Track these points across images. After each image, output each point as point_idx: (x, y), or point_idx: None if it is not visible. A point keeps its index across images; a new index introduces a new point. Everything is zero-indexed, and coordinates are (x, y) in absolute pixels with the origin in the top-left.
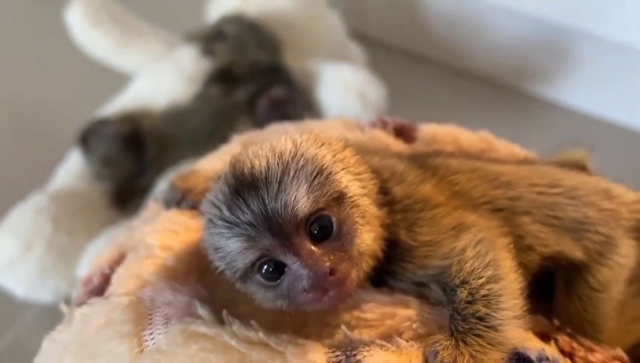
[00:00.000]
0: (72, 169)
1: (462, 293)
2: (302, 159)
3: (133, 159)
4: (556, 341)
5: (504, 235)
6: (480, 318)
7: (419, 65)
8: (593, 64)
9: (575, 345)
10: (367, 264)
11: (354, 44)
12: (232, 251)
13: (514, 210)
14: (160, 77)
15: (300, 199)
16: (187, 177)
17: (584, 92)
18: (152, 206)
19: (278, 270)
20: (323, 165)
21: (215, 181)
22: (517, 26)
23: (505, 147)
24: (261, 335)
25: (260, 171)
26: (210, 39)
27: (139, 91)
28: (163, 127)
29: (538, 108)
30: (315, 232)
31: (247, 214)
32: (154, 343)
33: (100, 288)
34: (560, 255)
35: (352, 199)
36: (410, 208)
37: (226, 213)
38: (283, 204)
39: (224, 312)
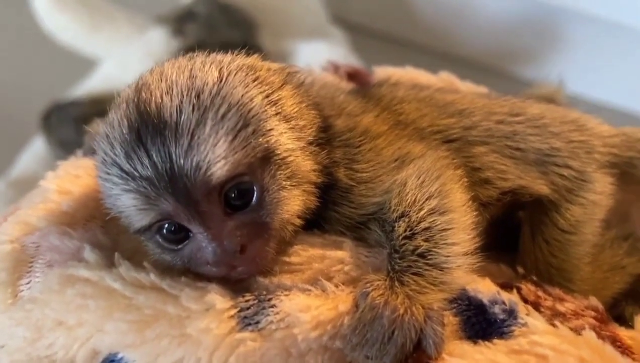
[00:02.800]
0: (35, 155)
1: (400, 227)
2: (224, 104)
3: None
4: (519, 290)
5: (455, 167)
6: (421, 255)
7: (403, 50)
8: (583, 44)
9: (541, 293)
10: (291, 229)
11: (336, 28)
12: (127, 207)
13: (468, 140)
14: (129, 59)
15: (217, 161)
16: None
17: (574, 74)
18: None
19: (181, 233)
20: (251, 113)
21: (116, 106)
22: (504, 6)
23: (469, 87)
24: (153, 277)
25: (170, 114)
26: (181, 20)
27: (106, 73)
28: None
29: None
30: (231, 200)
31: (148, 168)
32: (29, 292)
33: None
34: (523, 190)
35: (281, 158)
36: (350, 143)
37: (122, 159)
38: (194, 165)
39: (116, 255)
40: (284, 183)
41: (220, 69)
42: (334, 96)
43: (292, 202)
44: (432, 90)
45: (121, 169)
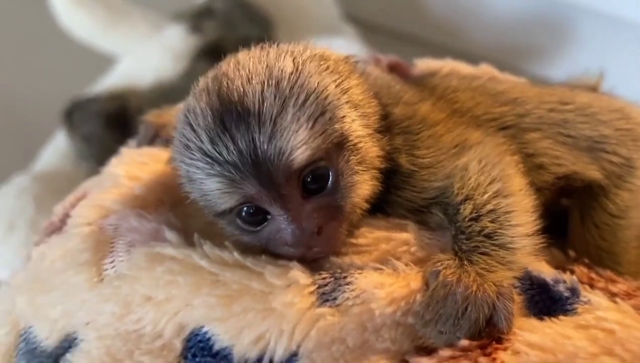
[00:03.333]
0: (57, 150)
1: (466, 210)
2: (303, 93)
3: (117, 138)
4: (572, 272)
5: (511, 153)
6: (488, 236)
7: (414, 47)
8: (594, 40)
9: (593, 275)
10: (359, 213)
11: (348, 25)
12: (211, 190)
13: (521, 127)
14: (148, 56)
15: (299, 147)
16: (161, 113)
17: (585, 71)
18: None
19: (259, 215)
20: (327, 101)
21: (196, 95)
22: (514, 3)
23: (509, 78)
24: (236, 255)
25: (254, 102)
26: (199, 17)
27: (126, 70)
28: (150, 105)
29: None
30: (309, 185)
31: (233, 153)
32: (115, 271)
33: (60, 227)
34: (576, 176)
35: (353, 144)
36: (410, 130)
37: (207, 145)
38: (277, 150)
39: (195, 235)
40: (356, 168)
41: (294, 59)
42: (390, 85)
43: (363, 186)
44: (484, 79)
45: (206, 154)
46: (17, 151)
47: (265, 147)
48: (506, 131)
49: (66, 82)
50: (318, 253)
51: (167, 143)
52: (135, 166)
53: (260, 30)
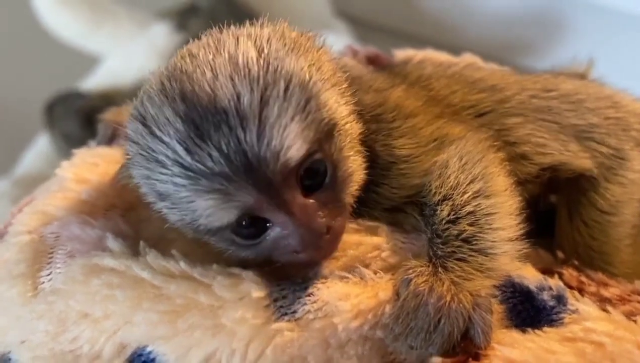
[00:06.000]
0: (40, 153)
1: (443, 211)
2: (280, 80)
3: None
4: (561, 275)
5: (495, 150)
6: (466, 240)
7: (408, 43)
8: (590, 34)
9: (584, 279)
10: (352, 204)
11: (340, 22)
12: (201, 209)
13: (501, 112)
14: (133, 54)
15: (294, 141)
16: (121, 111)
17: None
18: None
19: (259, 225)
20: (308, 85)
21: (152, 100)
22: None
23: (493, 67)
24: (183, 265)
25: (228, 100)
26: (184, 15)
27: (111, 69)
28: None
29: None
30: (306, 181)
31: (220, 162)
32: (50, 285)
33: (2, 234)
34: (563, 167)
35: (342, 127)
36: (382, 118)
37: (185, 157)
38: (270, 149)
39: (141, 243)
40: (348, 154)
41: (255, 42)
42: (360, 74)
43: (358, 172)
44: (460, 67)
45: (186, 168)
46: None
47: (256, 148)
48: (484, 118)
49: (50, 84)
50: (326, 254)
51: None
52: (85, 168)
53: None
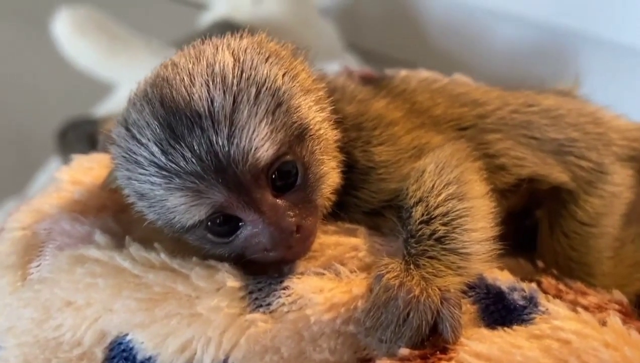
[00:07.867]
0: (51, 175)
1: (418, 212)
2: (252, 86)
3: None
4: (539, 284)
5: (474, 159)
6: (438, 240)
7: None
8: (597, 69)
9: (562, 287)
10: (328, 206)
11: (350, 56)
12: (174, 206)
13: (481, 127)
14: None
15: (262, 144)
16: None
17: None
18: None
19: (230, 223)
20: (279, 91)
21: (135, 106)
22: (516, 32)
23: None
24: (163, 256)
25: (202, 104)
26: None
27: (123, 96)
28: None
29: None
30: (277, 182)
31: (192, 161)
32: (39, 275)
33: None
34: (540, 178)
35: (315, 131)
36: (363, 126)
37: (160, 157)
38: (240, 150)
39: (127, 237)
40: (321, 157)
41: (232, 51)
42: (345, 85)
43: (331, 175)
44: (444, 82)
45: (161, 167)
46: (12, 175)
47: (227, 149)
48: (465, 132)
49: (63, 110)
50: (298, 253)
51: None
52: (81, 171)
53: None
